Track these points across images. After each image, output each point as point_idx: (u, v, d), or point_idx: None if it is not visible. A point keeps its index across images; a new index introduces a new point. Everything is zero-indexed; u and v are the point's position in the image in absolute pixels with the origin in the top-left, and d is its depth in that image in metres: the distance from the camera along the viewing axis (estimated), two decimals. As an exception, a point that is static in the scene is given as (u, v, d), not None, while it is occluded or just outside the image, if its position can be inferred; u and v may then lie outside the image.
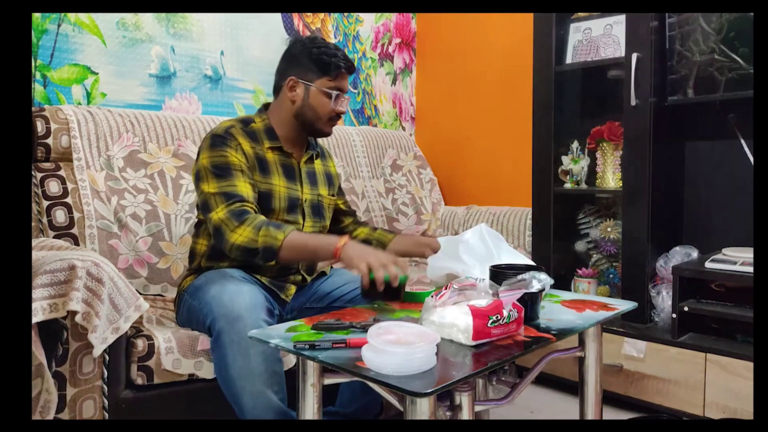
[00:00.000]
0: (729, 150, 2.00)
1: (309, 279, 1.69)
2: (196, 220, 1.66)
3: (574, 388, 1.48)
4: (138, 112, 2.04)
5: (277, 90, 1.63)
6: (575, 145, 2.15)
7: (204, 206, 1.49)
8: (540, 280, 1.17)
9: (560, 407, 1.97)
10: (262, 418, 1.32)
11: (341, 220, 1.82)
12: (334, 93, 1.56)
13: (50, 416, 1.23)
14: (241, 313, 1.33)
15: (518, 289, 1.12)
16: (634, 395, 1.88)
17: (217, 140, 1.51)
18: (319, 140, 1.79)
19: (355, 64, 2.92)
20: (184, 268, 1.90)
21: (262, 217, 1.45)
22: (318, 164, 1.73)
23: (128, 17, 2.16)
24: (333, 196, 1.75)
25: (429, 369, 0.93)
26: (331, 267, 1.79)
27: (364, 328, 1.09)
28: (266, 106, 1.66)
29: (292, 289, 1.62)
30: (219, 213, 1.44)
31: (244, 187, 1.48)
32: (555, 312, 1.28)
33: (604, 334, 1.48)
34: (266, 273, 1.58)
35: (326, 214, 1.71)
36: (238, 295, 1.36)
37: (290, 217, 1.59)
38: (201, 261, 1.60)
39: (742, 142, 1.96)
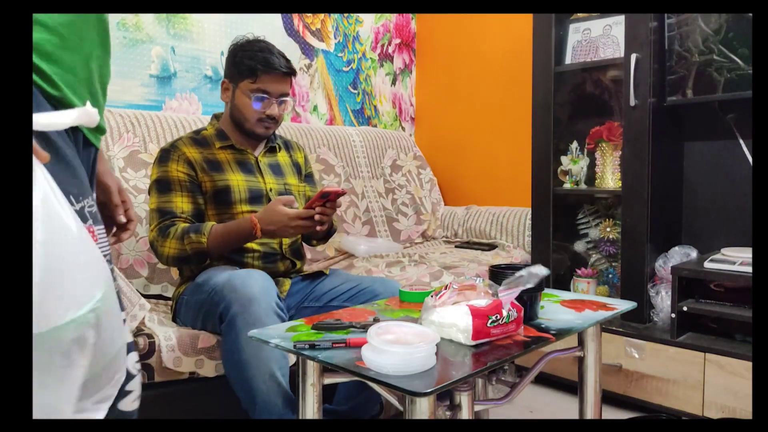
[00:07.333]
0: (728, 150, 2.00)
1: (299, 264, 1.70)
2: None
3: (573, 387, 1.48)
4: (138, 112, 2.05)
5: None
6: (574, 145, 2.15)
7: (149, 221, 1.59)
8: (536, 274, 1.16)
9: (560, 407, 1.97)
10: (273, 403, 1.33)
11: None
12: (255, 95, 1.59)
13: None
14: (255, 296, 1.35)
15: (516, 287, 1.13)
16: (634, 395, 1.88)
17: (163, 155, 1.60)
18: (283, 133, 1.86)
19: (355, 64, 2.94)
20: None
21: (184, 225, 1.53)
22: (283, 156, 1.78)
23: (129, 18, 2.16)
24: (302, 183, 1.80)
25: (429, 369, 0.93)
26: (330, 268, 1.79)
27: (364, 328, 1.09)
28: (218, 115, 1.73)
29: (287, 284, 1.63)
30: (152, 232, 1.55)
31: (180, 201, 1.56)
32: (554, 312, 1.29)
33: (603, 334, 1.48)
34: (253, 264, 1.62)
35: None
36: (250, 279, 1.39)
37: (254, 206, 1.63)
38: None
39: (741, 142, 1.96)
